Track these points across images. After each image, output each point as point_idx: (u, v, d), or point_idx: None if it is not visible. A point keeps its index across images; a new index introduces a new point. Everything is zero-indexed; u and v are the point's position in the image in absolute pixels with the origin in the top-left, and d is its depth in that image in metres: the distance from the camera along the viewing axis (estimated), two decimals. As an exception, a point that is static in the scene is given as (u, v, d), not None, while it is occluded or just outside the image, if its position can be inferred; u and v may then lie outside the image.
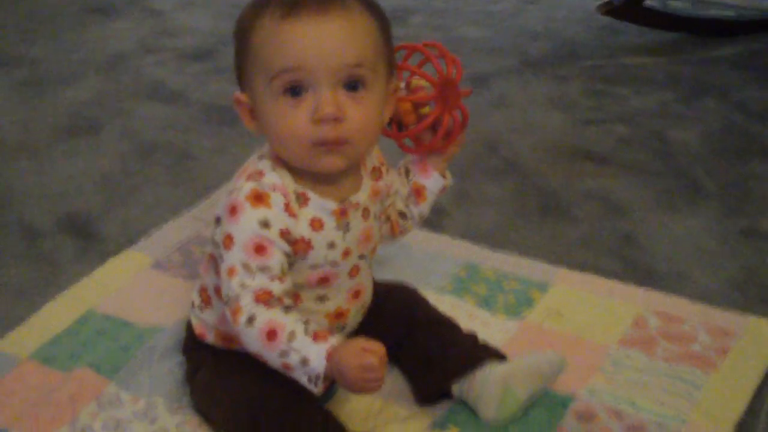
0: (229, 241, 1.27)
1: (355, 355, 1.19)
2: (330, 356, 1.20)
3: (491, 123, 2.43)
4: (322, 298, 1.36)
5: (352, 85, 1.25)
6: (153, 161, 2.22)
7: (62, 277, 1.77)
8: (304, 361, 1.21)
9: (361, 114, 1.25)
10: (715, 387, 1.49)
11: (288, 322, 1.23)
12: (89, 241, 1.90)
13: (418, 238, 1.85)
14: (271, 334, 1.23)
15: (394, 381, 1.49)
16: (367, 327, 1.44)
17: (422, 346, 1.46)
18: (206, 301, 1.41)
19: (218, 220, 1.31)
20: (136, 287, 1.72)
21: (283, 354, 1.23)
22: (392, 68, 1.32)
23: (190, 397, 1.44)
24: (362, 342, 1.20)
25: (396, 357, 1.49)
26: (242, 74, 1.30)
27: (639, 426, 1.41)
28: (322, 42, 1.23)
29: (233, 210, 1.27)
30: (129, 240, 1.88)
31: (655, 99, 2.57)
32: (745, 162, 2.24)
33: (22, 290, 1.74)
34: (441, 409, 1.45)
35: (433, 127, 1.39)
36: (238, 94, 1.31)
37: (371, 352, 1.18)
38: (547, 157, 2.26)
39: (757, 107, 2.51)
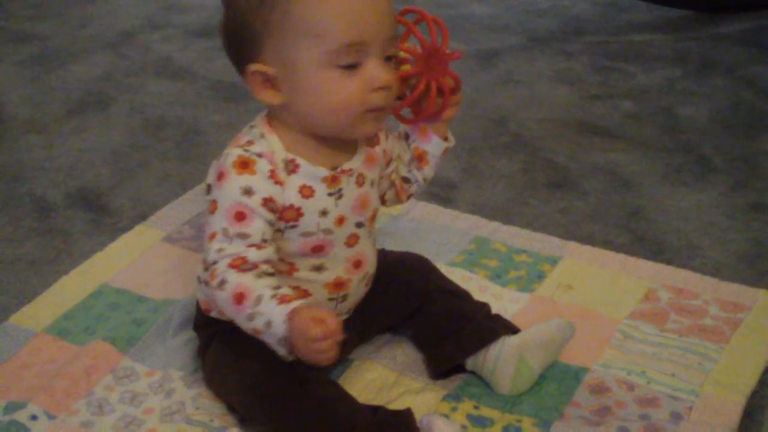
0: (213, 206, 1.28)
1: (303, 324, 1.18)
2: (290, 316, 1.20)
3: (499, 99, 2.43)
4: (318, 268, 1.35)
5: (389, 57, 1.27)
6: (162, 136, 2.22)
7: (74, 251, 1.78)
8: (268, 324, 1.22)
9: (396, 83, 1.29)
10: (727, 360, 1.50)
11: (257, 286, 1.24)
12: (100, 214, 1.90)
13: (428, 213, 1.86)
14: (239, 297, 1.24)
15: (408, 354, 1.50)
16: (377, 297, 1.45)
17: (435, 319, 1.47)
18: None
19: (209, 188, 1.31)
20: (148, 261, 1.73)
21: (250, 318, 1.24)
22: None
23: (202, 371, 1.45)
24: (315, 312, 1.19)
25: (409, 327, 1.51)
26: (265, 42, 1.27)
27: (651, 398, 1.42)
28: (380, 14, 1.25)
29: (220, 176, 1.28)
30: (139, 213, 1.89)
31: (663, 75, 2.57)
32: (753, 138, 2.24)
33: (34, 264, 1.75)
34: (454, 381, 1.45)
35: (425, 96, 1.37)
36: (258, 65, 1.28)
37: (319, 322, 1.17)
38: (555, 131, 2.27)
39: (765, 83, 2.51)
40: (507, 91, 2.48)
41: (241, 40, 1.29)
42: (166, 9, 2.96)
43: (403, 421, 1.29)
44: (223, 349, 1.39)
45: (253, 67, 1.28)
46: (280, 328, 1.22)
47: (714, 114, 2.35)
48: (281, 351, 1.24)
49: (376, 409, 1.32)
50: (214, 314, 1.41)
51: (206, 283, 1.29)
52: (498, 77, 2.55)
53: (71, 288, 1.66)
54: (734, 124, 2.31)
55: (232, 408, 1.39)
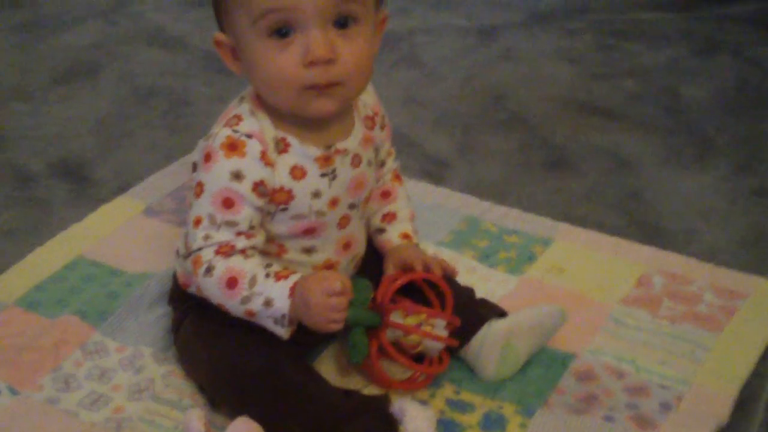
0: (199, 189, 1.23)
1: (318, 282, 1.18)
2: (293, 291, 1.18)
3: (497, 75, 2.37)
4: (309, 250, 1.31)
5: (342, 21, 1.18)
6: (150, 106, 2.17)
7: (53, 222, 1.73)
8: (268, 303, 1.19)
9: (354, 53, 1.19)
10: (721, 348, 1.44)
11: (248, 267, 1.21)
12: (82, 184, 1.85)
13: (419, 191, 1.80)
14: (232, 282, 1.20)
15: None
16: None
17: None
18: None
19: (195, 166, 1.26)
20: (126, 233, 1.68)
21: (246, 300, 1.20)
22: None
23: (174, 347, 1.40)
24: (325, 272, 1.20)
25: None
26: (222, 13, 1.24)
27: (640, 387, 1.37)
28: None
29: (207, 157, 1.22)
30: (122, 184, 1.84)
31: (667, 55, 2.51)
32: (757, 120, 2.18)
33: (11, 234, 1.70)
34: (436, 364, 1.40)
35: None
36: (219, 34, 1.25)
37: (335, 277, 1.18)
38: (554, 110, 2.21)
39: (770, 65, 2.45)
40: (506, 68, 2.42)
41: (214, 9, 1.26)
42: (161, -22, 2.91)
43: (376, 406, 1.24)
44: (196, 325, 1.34)
45: (216, 36, 1.25)
46: (283, 303, 1.19)
47: (718, 95, 2.29)
48: (279, 330, 1.21)
49: (350, 394, 1.27)
50: (191, 290, 1.36)
51: (192, 270, 1.24)
52: (497, 54, 2.49)
53: (45, 259, 1.61)
54: (739, 105, 2.25)
55: (202, 387, 1.34)
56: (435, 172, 1.92)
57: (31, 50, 2.44)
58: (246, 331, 1.25)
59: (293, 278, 1.20)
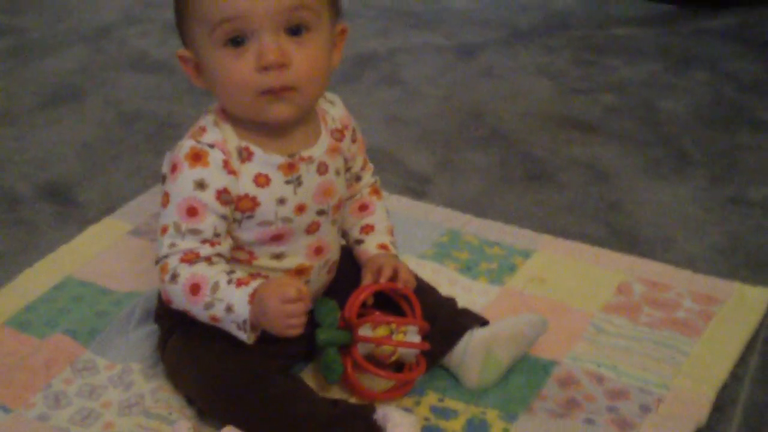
0: (165, 199, 1.27)
1: (275, 289, 1.20)
2: (252, 298, 1.21)
3: (478, 92, 2.40)
4: (278, 256, 1.33)
5: (295, 29, 1.22)
6: (135, 130, 2.19)
7: (41, 244, 1.75)
8: (229, 309, 1.23)
9: (306, 58, 1.23)
10: (699, 352, 1.47)
11: (211, 274, 1.24)
12: (69, 207, 1.87)
13: (401, 206, 1.83)
14: (195, 288, 1.24)
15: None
16: (342, 288, 1.41)
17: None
18: None
19: (164, 179, 1.29)
20: (114, 253, 1.70)
21: (208, 306, 1.24)
22: (337, 8, 1.29)
23: (162, 363, 1.42)
24: (283, 279, 1.23)
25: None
26: (183, 29, 1.28)
27: (621, 391, 1.40)
28: None
29: (173, 168, 1.26)
30: (109, 207, 1.86)
31: (645, 69, 2.54)
32: (733, 132, 2.21)
33: (1, 256, 1.72)
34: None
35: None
36: (182, 50, 1.29)
37: (290, 285, 1.20)
38: (534, 125, 2.24)
39: (746, 78, 2.49)
40: (486, 85, 2.45)
41: (177, 26, 1.30)
42: (145, 4, 2.93)
43: (361, 414, 1.26)
44: (183, 340, 1.36)
45: (179, 52, 1.29)
46: (243, 310, 1.21)
47: (695, 108, 2.33)
48: (241, 335, 1.23)
49: (336, 403, 1.29)
50: (175, 306, 1.38)
51: (159, 277, 1.28)
52: (477, 71, 2.52)
53: (35, 280, 1.63)
54: (715, 118, 2.28)
55: (191, 400, 1.36)
56: (417, 187, 1.95)
57: (17, 75, 2.46)
58: (232, 343, 1.27)
59: (253, 285, 1.23)
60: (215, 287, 1.23)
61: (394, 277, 1.37)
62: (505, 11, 2.94)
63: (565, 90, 2.43)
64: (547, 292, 1.61)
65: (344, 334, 1.33)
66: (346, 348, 1.34)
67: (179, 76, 2.45)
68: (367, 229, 1.44)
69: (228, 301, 1.22)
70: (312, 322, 1.33)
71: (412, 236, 1.73)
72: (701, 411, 1.35)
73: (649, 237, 1.80)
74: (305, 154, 1.30)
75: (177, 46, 1.31)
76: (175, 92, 2.37)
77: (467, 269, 1.66)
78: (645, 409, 1.36)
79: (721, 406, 1.38)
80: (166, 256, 1.26)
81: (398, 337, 1.34)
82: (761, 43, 2.69)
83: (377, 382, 1.37)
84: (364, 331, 1.33)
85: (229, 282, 1.23)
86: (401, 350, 1.34)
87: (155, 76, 2.47)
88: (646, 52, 2.65)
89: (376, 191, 1.48)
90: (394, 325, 1.33)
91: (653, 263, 1.68)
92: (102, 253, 1.70)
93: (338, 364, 1.32)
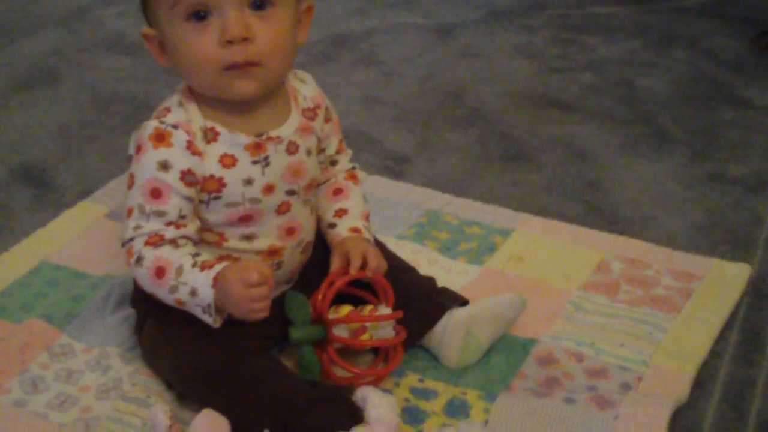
0: (131, 180, 1.26)
1: (237, 273, 1.19)
2: (215, 281, 1.20)
3: (456, 73, 2.39)
4: (249, 237, 1.31)
5: (259, 3, 1.21)
6: (111, 112, 2.17)
7: (16, 227, 1.74)
8: (194, 292, 1.22)
9: (270, 33, 1.21)
10: (679, 329, 1.47)
11: (175, 257, 1.23)
12: (44, 191, 1.85)
13: (380, 186, 1.82)
14: (160, 272, 1.23)
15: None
16: (318, 268, 1.40)
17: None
18: None
19: (130, 159, 1.28)
20: (90, 237, 1.69)
21: (173, 289, 1.23)
22: None
23: (139, 348, 1.41)
24: (245, 263, 1.21)
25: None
26: (146, 6, 1.26)
27: (600, 369, 1.39)
28: None
29: (138, 149, 1.25)
30: (85, 190, 1.84)
31: (623, 47, 2.54)
32: (713, 109, 2.21)
33: (-25, 241, 1.71)
34: (399, 354, 1.42)
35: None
36: (145, 29, 1.27)
37: (253, 269, 1.18)
38: (512, 105, 2.23)
39: (725, 55, 2.48)
40: (465, 64, 2.44)
41: (141, 4, 1.28)
42: (121, -16, 2.91)
43: (341, 396, 1.25)
44: (159, 324, 1.35)
45: (143, 30, 1.28)
46: (207, 293, 1.20)
47: (674, 86, 2.32)
48: (207, 318, 1.23)
49: (315, 384, 1.28)
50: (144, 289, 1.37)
51: (126, 260, 1.27)
52: (456, 51, 2.51)
53: (10, 265, 1.61)
54: (694, 95, 2.28)
55: (169, 384, 1.35)
56: (395, 168, 1.94)
57: (-9, 59, 2.44)
58: (208, 327, 1.25)
59: (217, 268, 1.21)
60: (179, 270, 1.22)
61: (363, 265, 1.35)
62: (483, -10, 2.93)
63: (544, 69, 2.42)
64: (527, 270, 1.60)
65: (317, 329, 1.32)
66: (320, 342, 1.33)
67: (155, 58, 2.43)
68: (341, 212, 1.42)
69: (192, 284, 1.21)
70: (282, 304, 1.32)
71: (390, 217, 1.73)
72: (682, 388, 1.35)
73: (628, 215, 1.79)
74: (273, 133, 1.29)
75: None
76: (151, 73, 2.35)
77: (447, 249, 1.66)
78: (625, 386, 1.36)
79: (701, 382, 1.38)
80: (131, 239, 1.25)
81: (372, 329, 1.33)
82: (740, 20, 2.69)
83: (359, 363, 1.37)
84: (339, 332, 1.32)
85: (194, 265, 1.22)
86: (376, 333, 1.33)
87: (131, 57, 2.45)
88: (625, 30, 2.64)
89: (353, 176, 1.46)
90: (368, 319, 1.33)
91: (632, 241, 1.68)
92: (78, 237, 1.68)
93: (315, 364, 1.32)
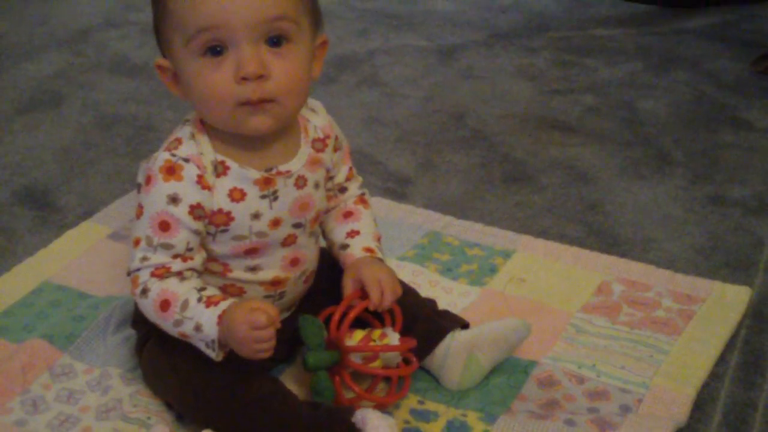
0: (139, 210, 1.25)
1: (244, 314, 1.18)
2: (221, 319, 1.20)
3: (458, 94, 2.40)
4: (253, 269, 1.32)
5: (275, 40, 1.20)
6: (114, 133, 2.18)
7: (18, 248, 1.74)
8: (198, 328, 1.21)
9: (286, 70, 1.21)
10: (679, 352, 1.47)
11: (181, 291, 1.23)
12: (47, 212, 1.86)
13: (382, 208, 1.83)
14: (165, 305, 1.23)
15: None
16: (320, 294, 1.41)
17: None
18: None
19: (139, 188, 1.27)
20: (92, 257, 1.69)
21: (178, 323, 1.23)
22: (318, 20, 1.27)
23: (140, 368, 1.41)
24: (252, 303, 1.19)
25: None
26: (161, 38, 1.26)
27: (601, 391, 1.39)
28: None
29: (147, 180, 1.25)
30: (87, 211, 1.85)
31: (625, 70, 2.55)
32: (714, 131, 2.22)
33: (-23, 262, 1.71)
34: (400, 376, 1.42)
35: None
36: (159, 59, 1.27)
37: (260, 311, 1.18)
38: (514, 126, 2.24)
39: (727, 78, 2.49)
40: (467, 86, 2.45)
41: (155, 34, 1.28)
42: (125, 7, 2.93)
43: (341, 417, 1.25)
44: (160, 345, 1.34)
45: (157, 60, 1.27)
46: (211, 330, 1.20)
47: (675, 108, 2.33)
48: (210, 353, 1.22)
49: (317, 405, 1.28)
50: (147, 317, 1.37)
51: (131, 290, 1.27)
52: (458, 73, 2.52)
53: (12, 285, 1.62)
54: (695, 118, 2.29)
55: (169, 405, 1.35)
56: (397, 189, 1.95)
57: (-5, 81, 2.45)
58: None
59: (223, 305, 1.21)
60: (185, 305, 1.22)
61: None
62: (485, 12, 2.95)
63: (545, 91, 2.43)
64: (527, 292, 1.61)
65: (333, 354, 1.32)
66: (334, 367, 1.33)
67: (158, 80, 2.42)
68: (353, 233, 1.41)
69: (197, 320, 1.21)
70: (289, 327, 1.32)
71: (392, 238, 1.73)
72: (681, 410, 1.35)
73: (629, 237, 1.80)
74: (283, 168, 1.28)
75: (156, 49, 1.30)
76: (154, 95, 2.36)
77: (448, 271, 1.66)
78: (625, 409, 1.36)
79: (701, 405, 1.38)
80: (137, 270, 1.25)
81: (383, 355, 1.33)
82: (741, 43, 2.70)
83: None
84: (352, 356, 1.32)
85: (199, 300, 1.22)
86: (385, 358, 1.33)
87: (134, 79, 2.46)
88: (626, 53, 2.65)
89: (363, 201, 1.45)
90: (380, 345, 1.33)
91: (633, 263, 1.68)
92: (80, 258, 1.69)
93: (330, 389, 1.32)
